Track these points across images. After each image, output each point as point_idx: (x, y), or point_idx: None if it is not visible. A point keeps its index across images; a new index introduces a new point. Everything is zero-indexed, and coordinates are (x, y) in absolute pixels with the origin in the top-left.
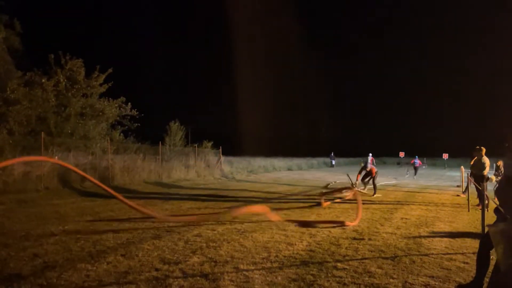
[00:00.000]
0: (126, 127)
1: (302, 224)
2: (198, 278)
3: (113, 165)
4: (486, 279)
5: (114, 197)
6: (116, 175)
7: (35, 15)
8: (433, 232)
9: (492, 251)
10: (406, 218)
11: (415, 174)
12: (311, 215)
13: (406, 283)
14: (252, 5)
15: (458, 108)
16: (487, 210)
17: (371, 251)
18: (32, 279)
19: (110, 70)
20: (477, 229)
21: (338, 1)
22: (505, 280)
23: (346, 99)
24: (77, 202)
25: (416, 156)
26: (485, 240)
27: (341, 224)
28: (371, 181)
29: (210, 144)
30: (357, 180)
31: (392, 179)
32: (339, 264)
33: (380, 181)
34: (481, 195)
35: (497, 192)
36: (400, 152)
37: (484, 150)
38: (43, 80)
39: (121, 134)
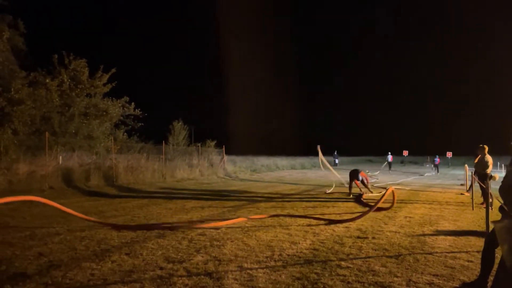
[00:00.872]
0: (130, 126)
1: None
2: (202, 276)
3: (117, 164)
4: (491, 278)
5: (118, 196)
6: (120, 174)
7: (38, 15)
8: (437, 231)
9: (497, 249)
10: (410, 217)
11: (438, 171)
12: (314, 214)
13: (410, 281)
14: (255, 9)
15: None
16: (492, 209)
17: (375, 250)
18: (37, 278)
19: (113, 70)
20: (482, 227)
21: (338, 1)
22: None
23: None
24: (81, 201)
25: (437, 155)
26: (490, 238)
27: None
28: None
29: (213, 143)
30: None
31: (417, 175)
32: (343, 263)
33: (400, 178)
34: (485, 193)
35: (501, 191)
36: (404, 151)
37: (486, 148)
38: (47, 80)
39: (125, 133)
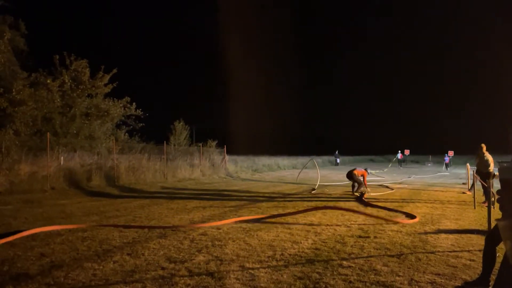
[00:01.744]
0: (131, 127)
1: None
2: (204, 276)
3: (118, 165)
4: (493, 276)
5: (120, 197)
6: (121, 174)
7: (39, 16)
8: (439, 230)
9: (499, 248)
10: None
11: (447, 168)
12: (315, 214)
13: (412, 280)
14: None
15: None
16: (494, 208)
17: (377, 249)
18: (40, 278)
19: (114, 70)
20: (483, 226)
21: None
22: None
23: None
24: (83, 202)
25: (446, 154)
26: (490, 236)
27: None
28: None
29: (214, 143)
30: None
31: (431, 173)
32: (344, 262)
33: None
34: (487, 192)
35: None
36: (405, 150)
37: (484, 147)
38: (48, 81)
39: (126, 134)
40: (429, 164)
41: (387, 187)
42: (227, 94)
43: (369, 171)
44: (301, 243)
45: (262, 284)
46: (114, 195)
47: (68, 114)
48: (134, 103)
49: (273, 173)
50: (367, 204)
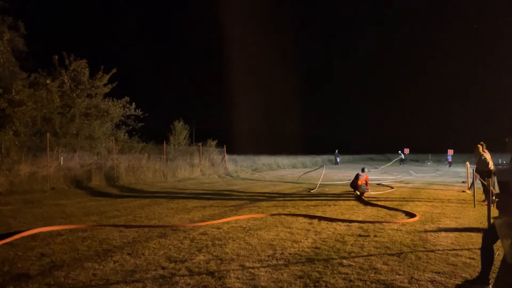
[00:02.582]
0: (131, 127)
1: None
2: (204, 276)
3: (118, 165)
4: (493, 275)
5: (120, 197)
6: (121, 174)
7: (39, 16)
8: (439, 228)
9: (497, 247)
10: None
11: (450, 166)
12: (316, 212)
13: (412, 279)
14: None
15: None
16: (493, 206)
17: (377, 248)
18: (40, 278)
19: (114, 70)
20: (483, 224)
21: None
22: None
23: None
24: (83, 202)
25: (447, 153)
26: (487, 234)
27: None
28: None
29: (214, 142)
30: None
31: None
32: (344, 261)
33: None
34: (486, 190)
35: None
36: (405, 149)
37: (480, 147)
38: (48, 81)
39: (126, 134)
40: (429, 163)
41: (387, 186)
42: (227, 94)
43: (366, 169)
44: (301, 242)
45: (262, 283)
46: (114, 195)
47: (68, 114)
48: (133, 103)
49: (273, 172)
50: (367, 203)
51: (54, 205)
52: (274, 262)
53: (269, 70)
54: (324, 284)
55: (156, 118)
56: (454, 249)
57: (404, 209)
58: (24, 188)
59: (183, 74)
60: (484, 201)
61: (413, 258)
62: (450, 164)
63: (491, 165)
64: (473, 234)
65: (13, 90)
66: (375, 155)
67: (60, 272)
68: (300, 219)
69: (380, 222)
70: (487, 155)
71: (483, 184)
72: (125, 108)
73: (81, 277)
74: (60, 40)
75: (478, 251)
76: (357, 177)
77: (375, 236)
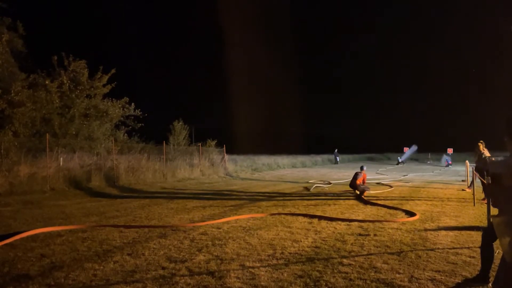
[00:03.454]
0: (130, 127)
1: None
2: (205, 275)
3: (118, 165)
4: (493, 273)
5: (119, 197)
6: (121, 175)
7: (37, 17)
8: (439, 227)
9: (497, 246)
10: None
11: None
12: (316, 212)
13: (412, 277)
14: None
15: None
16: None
17: (377, 247)
18: (40, 279)
19: (113, 71)
20: (483, 223)
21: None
22: None
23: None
24: (82, 202)
25: (449, 156)
26: (486, 232)
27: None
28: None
29: (214, 142)
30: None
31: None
32: (344, 260)
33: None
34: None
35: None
36: (404, 148)
37: (480, 145)
38: (47, 82)
39: (125, 134)
40: (429, 162)
41: (386, 185)
42: (226, 94)
43: (365, 168)
44: (301, 241)
45: (262, 283)
46: (113, 196)
47: (67, 115)
48: (133, 103)
49: (273, 172)
50: (366, 202)
51: (53, 206)
52: (274, 261)
53: (269, 69)
54: (324, 283)
55: (155, 118)
56: (454, 248)
57: (404, 208)
58: (24, 189)
59: (183, 74)
60: (483, 199)
61: (413, 257)
62: (449, 166)
63: None
64: (473, 232)
65: (12, 91)
66: (375, 154)
67: (60, 273)
68: (300, 218)
69: (380, 221)
70: (487, 154)
71: (482, 183)
72: (125, 109)
73: (81, 278)
74: (59, 40)
75: (478, 250)
76: (355, 176)
77: (375, 235)
